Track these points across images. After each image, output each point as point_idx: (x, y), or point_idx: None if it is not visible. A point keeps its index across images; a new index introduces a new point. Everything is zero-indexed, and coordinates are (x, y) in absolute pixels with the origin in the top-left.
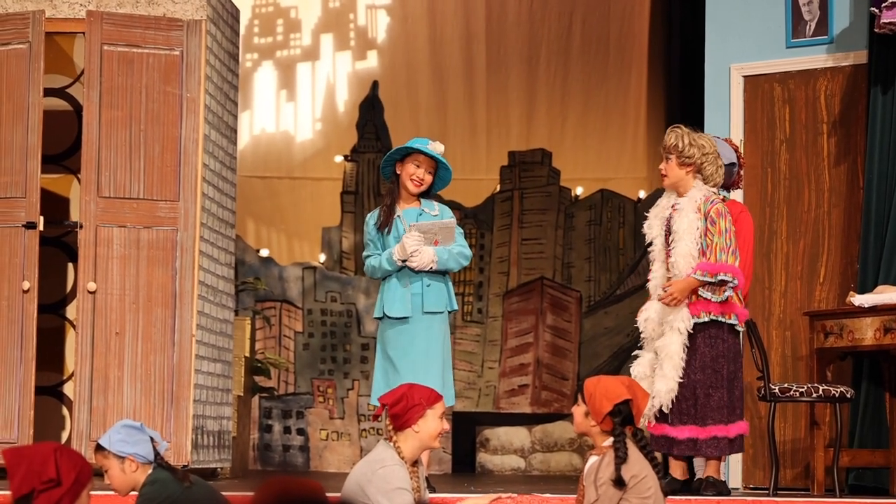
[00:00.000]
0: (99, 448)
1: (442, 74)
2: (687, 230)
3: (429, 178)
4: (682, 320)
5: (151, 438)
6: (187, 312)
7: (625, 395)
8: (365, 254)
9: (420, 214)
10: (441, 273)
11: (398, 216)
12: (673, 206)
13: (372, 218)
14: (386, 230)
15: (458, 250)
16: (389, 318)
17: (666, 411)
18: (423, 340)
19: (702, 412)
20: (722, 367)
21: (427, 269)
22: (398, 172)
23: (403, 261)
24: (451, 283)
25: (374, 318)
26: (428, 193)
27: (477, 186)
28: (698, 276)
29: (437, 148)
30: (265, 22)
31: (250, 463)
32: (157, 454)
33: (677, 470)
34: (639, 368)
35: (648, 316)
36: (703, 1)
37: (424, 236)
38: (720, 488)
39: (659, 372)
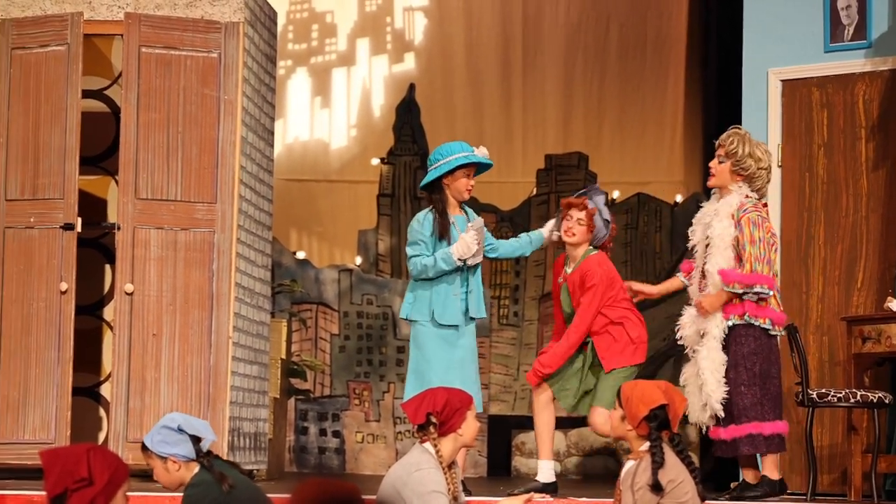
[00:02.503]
0: (144, 448)
1: (478, 77)
2: (720, 237)
3: (473, 183)
4: (717, 327)
5: (194, 436)
6: (224, 314)
7: (661, 399)
8: (413, 253)
9: (467, 222)
10: (477, 279)
11: (453, 223)
12: (716, 212)
13: (427, 223)
14: (446, 239)
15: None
16: (440, 324)
17: (720, 415)
18: (468, 346)
19: (737, 410)
20: (754, 365)
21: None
22: (446, 183)
23: (462, 260)
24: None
25: (411, 319)
26: None
27: (513, 189)
28: (732, 290)
29: (486, 153)
30: (300, 27)
31: (286, 465)
32: (199, 451)
33: (749, 475)
34: (687, 374)
35: (684, 324)
36: (742, 5)
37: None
38: (772, 487)
39: (705, 379)
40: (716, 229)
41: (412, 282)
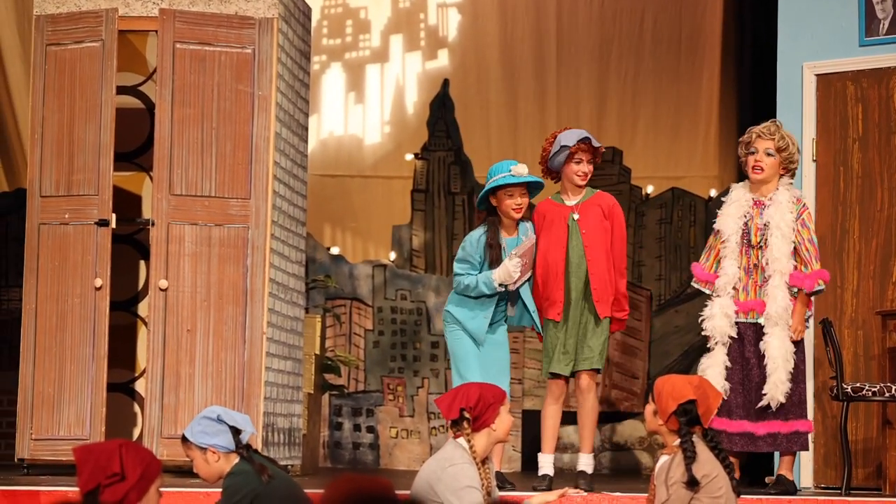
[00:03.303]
0: (184, 439)
1: (513, 72)
2: (787, 227)
3: (526, 200)
4: (789, 319)
5: (233, 427)
6: (258, 310)
7: (690, 395)
8: (459, 270)
9: (518, 243)
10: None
11: (503, 248)
12: (755, 203)
13: (479, 246)
14: (497, 265)
15: None
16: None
17: (778, 407)
18: (497, 342)
19: (784, 406)
20: (801, 362)
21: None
22: (494, 204)
23: (503, 286)
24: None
25: (446, 321)
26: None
27: (548, 185)
28: (817, 290)
29: (522, 171)
30: (334, 23)
31: (320, 460)
32: (239, 443)
33: (790, 471)
34: (705, 363)
35: (714, 316)
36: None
37: (522, 259)
38: (789, 487)
39: (769, 370)
40: (780, 220)
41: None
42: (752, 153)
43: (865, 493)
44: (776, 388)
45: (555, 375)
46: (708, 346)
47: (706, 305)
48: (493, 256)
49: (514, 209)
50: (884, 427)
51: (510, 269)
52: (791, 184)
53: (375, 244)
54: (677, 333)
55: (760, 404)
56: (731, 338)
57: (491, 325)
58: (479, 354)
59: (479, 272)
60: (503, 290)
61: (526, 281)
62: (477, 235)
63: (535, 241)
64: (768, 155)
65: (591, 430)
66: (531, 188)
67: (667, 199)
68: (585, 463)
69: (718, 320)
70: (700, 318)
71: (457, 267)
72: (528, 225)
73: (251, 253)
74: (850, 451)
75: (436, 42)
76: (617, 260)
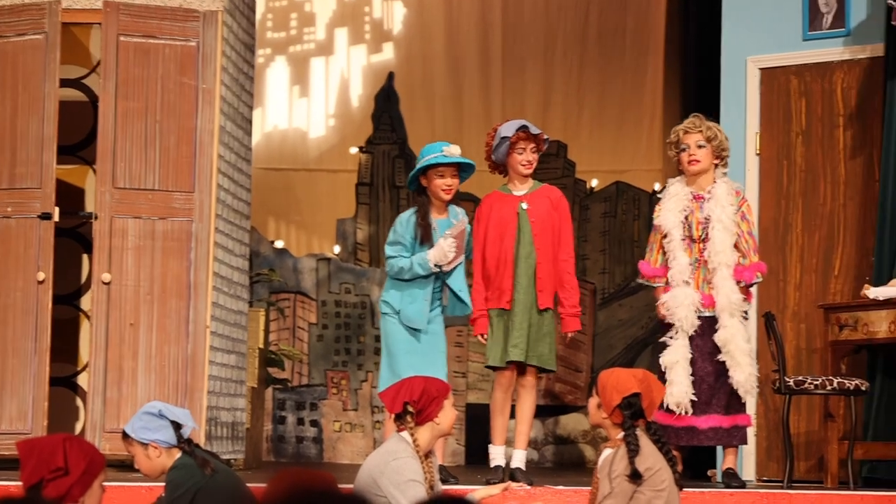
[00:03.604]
0: (124, 435)
1: (458, 65)
2: (728, 220)
3: (456, 182)
4: (740, 308)
5: (175, 422)
6: (202, 304)
7: (634, 388)
8: (391, 253)
9: (450, 224)
10: (455, 278)
11: (434, 229)
12: (694, 197)
13: (409, 226)
14: (428, 245)
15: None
16: (404, 324)
17: (752, 399)
18: (435, 334)
19: (727, 401)
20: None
21: (457, 264)
22: (424, 185)
23: (438, 266)
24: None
25: (382, 312)
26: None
27: (491, 178)
28: (756, 282)
29: (454, 152)
30: (279, 16)
31: (264, 454)
32: (180, 438)
33: (734, 463)
34: (671, 356)
35: (680, 305)
36: None
37: (456, 240)
38: (738, 481)
39: (732, 363)
40: (721, 213)
41: (389, 278)
42: (685, 149)
43: (807, 486)
44: (747, 382)
45: (503, 366)
46: (669, 336)
47: (656, 299)
48: (425, 236)
49: (443, 189)
50: (825, 420)
51: (445, 249)
52: (726, 174)
53: (320, 238)
54: (621, 327)
55: (705, 400)
56: (696, 330)
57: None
58: (411, 350)
59: (412, 254)
60: (438, 270)
61: (457, 266)
62: (407, 216)
63: (469, 229)
64: (700, 147)
65: (529, 426)
66: (462, 172)
67: (611, 193)
68: (520, 459)
69: (684, 310)
70: (661, 303)
71: (388, 250)
72: (459, 210)
73: (195, 246)
74: (793, 444)
75: (381, 35)
76: (566, 254)
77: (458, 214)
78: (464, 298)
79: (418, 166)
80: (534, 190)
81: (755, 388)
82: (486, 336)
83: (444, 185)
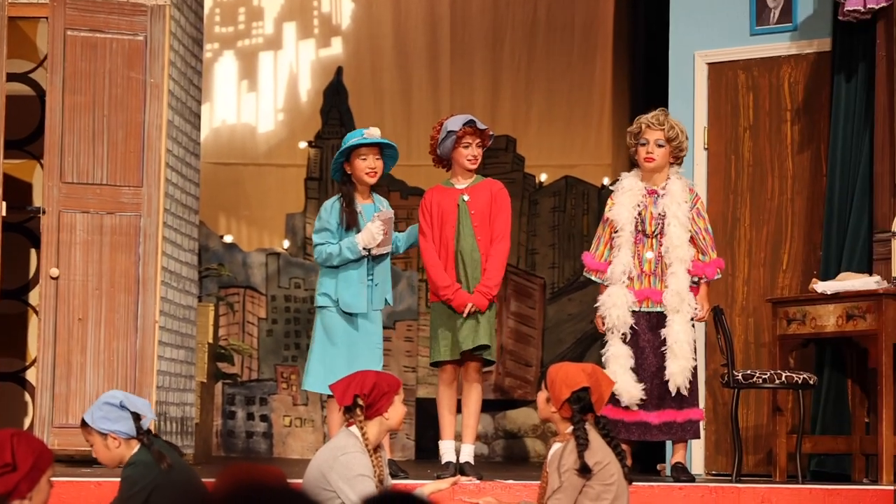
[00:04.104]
0: (83, 424)
1: (407, 60)
2: (684, 216)
3: (380, 164)
4: (689, 304)
5: (135, 413)
6: (150, 298)
7: (584, 382)
8: (318, 241)
9: (376, 210)
10: (383, 268)
11: (359, 213)
12: (648, 192)
13: (334, 212)
14: (354, 230)
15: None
16: (345, 311)
17: (685, 392)
18: (373, 332)
19: (679, 395)
20: (693, 350)
21: (385, 251)
22: (348, 171)
23: (367, 249)
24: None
25: (318, 306)
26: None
27: (440, 173)
28: (713, 279)
29: (374, 133)
30: (226, 10)
31: (213, 449)
32: (140, 429)
33: (683, 457)
34: (609, 353)
35: (613, 306)
36: None
37: (383, 226)
38: (688, 475)
39: (670, 355)
40: (677, 210)
41: (321, 269)
42: (643, 144)
43: (756, 480)
44: (679, 375)
45: (447, 361)
46: (604, 338)
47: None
48: (351, 221)
49: (367, 173)
50: (774, 414)
51: (373, 231)
52: (680, 172)
53: (269, 232)
54: (570, 321)
55: (660, 395)
56: (631, 330)
57: (363, 315)
58: (348, 343)
59: (339, 241)
60: (367, 254)
61: (385, 256)
62: (331, 203)
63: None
64: (659, 146)
65: (476, 420)
66: (389, 159)
67: (560, 188)
68: (468, 453)
69: (618, 310)
70: (596, 306)
71: (316, 238)
72: (383, 199)
73: (143, 241)
74: (741, 437)
75: (329, 30)
76: (498, 240)
77: (384, 202)
78: (387, 291)
79: (340, 150)
80: (475, 183)
81: (687, 380)
82: (472, 307)
83: (366, 167)
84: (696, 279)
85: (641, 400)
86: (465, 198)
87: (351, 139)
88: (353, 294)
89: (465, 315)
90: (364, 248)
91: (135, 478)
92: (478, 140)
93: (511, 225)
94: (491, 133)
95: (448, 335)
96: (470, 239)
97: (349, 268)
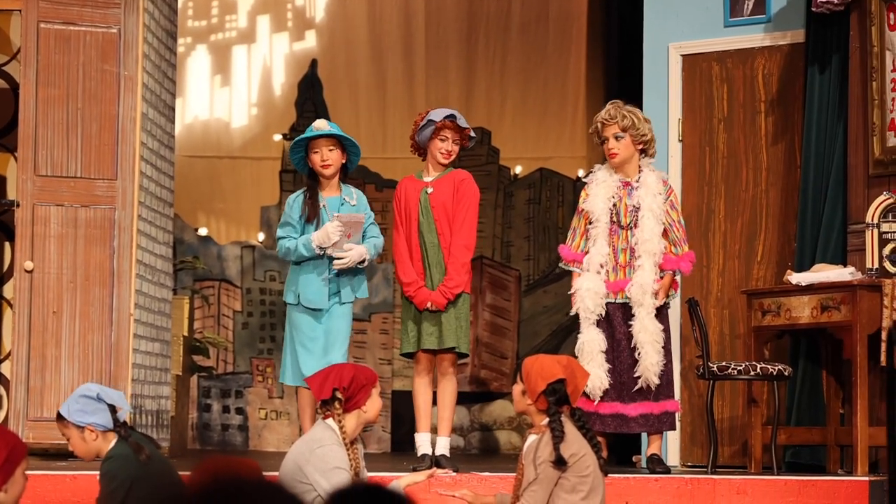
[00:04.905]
0: (59, 417)
1: (381, 53)
2: (658, 209)
3: (336, 155)
4: (652, 297)
5: (111, 406)
6: (125, 291)
7: (559, 374)
8: (280, 234)
9: (342, 204)
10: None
11: (323, 206)
12: (623, 184)
13: (296, 205)
14: (315, 222)
15: (374, 242)
16: (305, 307)
17: (655, 386)
18: (338, 328)
19: (655, 387)
20: (668, 343)
21: (355, 265)
22: (310, 165)
23: (321, 248)
24: (364, 272)
25: (286, 301)
26: (346, 173)
27: (416, 165)
28: (677, 273)
29: (320, 126)
30: (199, 4)
31: (189, 442)
32: (117, 422)
33: (659, 449)
34: (581, 343)
35: (583, 293)
36: None
37: (344, 227)
38: (665, 467)
39: (646, 349)
40: (650, 202)
41: (290, 264)
42: (604, 141)
43: (731, 471)
44: (648, 371)
45: (419, 352)
46: (580, 326)
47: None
48: (312, 214)
49: (321, 165)
50: (749, 405)
51: (329, 231)
52: (652, 164)
53: (244, 225)
54: (546, 313)
55: (637, 388)
56: (599, 316)
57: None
58: (312, 338)
59: (300, 234)
60: (322, 252)
61: (359, 261)
62: (295, 196)
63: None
64: (617, 139)
65: (451, 412)
66: (352, 156)
67: (535, 180)
68: (444, 446)
69: (587, 298)
70: (570, 293)
71: (278, 231)
72: (355, 191)
73: (118, 234)
74: (717, 429)
75: (303, 23)
76: (458, 234)
77: (353, 194)
78: (357, 286)
79: (290, 147)
80: (442, 175)
81: (656, 375)
82: (432, 305)
83: (319, 161)
84: (664, 273)
85: (608, 389)
86: (429, 190)
87: (304, 135)
88: (313, 290)
89: (423, 311)
90: (318, 248)
91: (114, 472)
92: (456, 136)
93: (477, 215)
94: (472, 135)
95: (415, 328)
96: (433, 232)
97: (309, 264)
